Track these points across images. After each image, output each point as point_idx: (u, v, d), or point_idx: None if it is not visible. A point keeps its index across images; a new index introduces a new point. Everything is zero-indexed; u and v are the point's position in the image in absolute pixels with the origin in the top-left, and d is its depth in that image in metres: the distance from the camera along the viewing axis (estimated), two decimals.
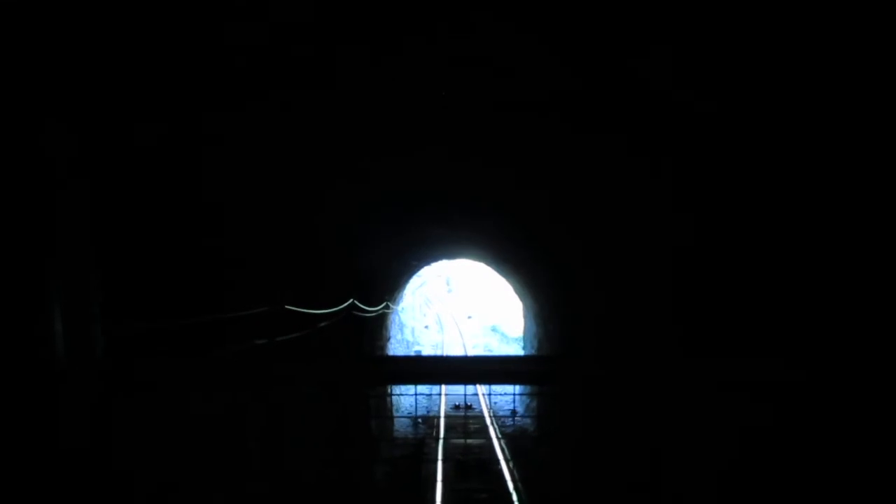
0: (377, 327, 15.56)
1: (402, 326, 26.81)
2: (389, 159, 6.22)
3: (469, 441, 13.79)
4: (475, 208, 9.53)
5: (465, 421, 15.78)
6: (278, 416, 5.85)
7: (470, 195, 8.28)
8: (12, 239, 1.71)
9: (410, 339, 29.40)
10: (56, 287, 1.64)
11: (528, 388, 16.68)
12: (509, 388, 20.02)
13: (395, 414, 15.84)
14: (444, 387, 20.53)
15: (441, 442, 13.91)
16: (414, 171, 6.89)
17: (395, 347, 22.55)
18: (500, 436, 14.13)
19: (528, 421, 15.99)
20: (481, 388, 20.04)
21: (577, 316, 10.09)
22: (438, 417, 16.68)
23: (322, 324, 6.55)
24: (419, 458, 13.05)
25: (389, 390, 16.19)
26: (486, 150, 5.68)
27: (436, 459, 12.74)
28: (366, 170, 6.20)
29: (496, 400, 19.27)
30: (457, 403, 18.45)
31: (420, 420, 16.67)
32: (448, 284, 55.70)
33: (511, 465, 12.34)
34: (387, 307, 14.45)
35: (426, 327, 36.86)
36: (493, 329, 37.09)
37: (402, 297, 23.13)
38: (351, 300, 8.34)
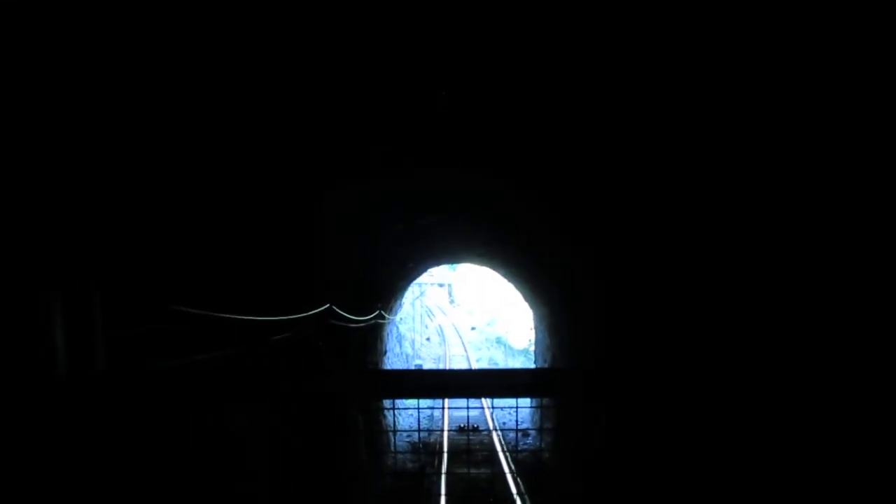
0: (371, 340, 13.79)
1: (400, 339, 24.98)
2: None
3: (476, 472, 11.93)
4: (480, 209, 8.65)
5: (471, 446, 13.92)
6: (237, 443, 4.20)
7: (474, 197, 7.83)
8: (13, 252, 1.95)
9: (410, 352, 27.57)
10: (57, 299, 1.59)
11: (537, 405, 14.90)
12: (519, 405, 18.20)
13: (390, 439, 14.00)
14: (446, 408, 18.75)
15: (443, 474, 12.03)
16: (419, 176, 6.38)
17: (394, 362, 20.74)
18: (512, 466, 12.25)
19: (541, 442, 14.15)
20: (487, 410, 18.22)
21: (595, 323, 8.47)
22: (441, 441, 14.80)
23: (277, 336, 4.79)
24: (418, 495, 11.20)
25: (384, 405, 14.39)
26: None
27: (438, 496, 10.90)
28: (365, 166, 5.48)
29: (504, 420, 17.42)
30: (461, 424, 16.57)
31: (420, 444, 14.81)
32: (450, 295, 54.11)
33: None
34: (380, 316, 12.64)
35: (427, 339, 35.13)
36: (498, 341, 35.55)
37: (399, 305, 21.32)
38: (328, 305, 6.57)
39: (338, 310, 7.01)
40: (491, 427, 16.01)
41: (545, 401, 13.91)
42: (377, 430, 12.65)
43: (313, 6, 2.99)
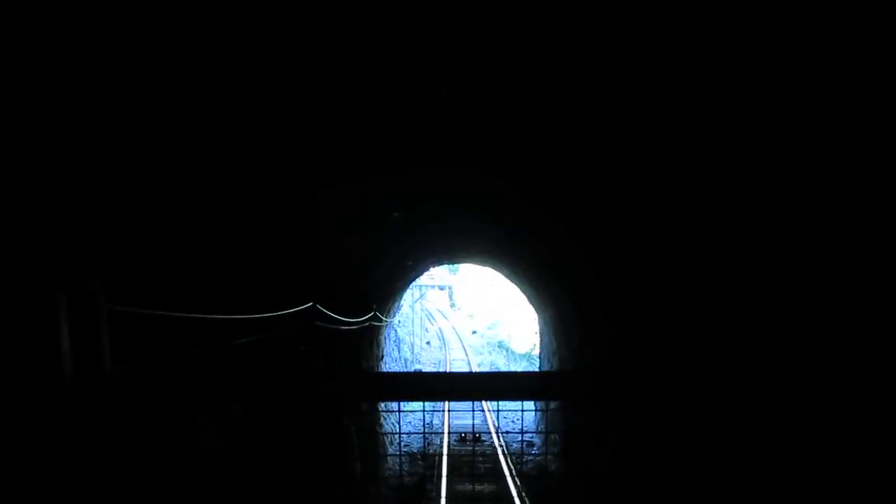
0: (367, 343, 12.96)
1: (399, 342, 24.13)
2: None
3: (479, 487, 11.05)
4: (481, 208, 8.28)
5: (474, 458, 13.05)
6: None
7: (475, 196, 7.59)
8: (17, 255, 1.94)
9: (409, 356, 26.71)
10: (62, 300, 1.53)
11: (543, 408, 14.07)
12: (525, 413, 17.36)
13: (386, 450, 13.15)
14: (447, 410, 17.92)
15: (443, 490, 11.15)
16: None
17: (392, 367, 19.90)
18: (517, 481, 11.37)
19: (546, 452, 13.31)
20: (490, 417, 17.36)
21: (609, 326, 7.74)
22: (441, 452, 13.92)
23: (244, 340, 3.95)
24: None
25: (380, 413, 13.57)
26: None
27: None
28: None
29: (508, 428, 16.55)
30: (462, 433, 15.69)
31: (419, 455, 13.94)
32: (451, 298, 53.35)
33: None
34: (376, 318, 11.80)
35: (427, 343, 34.30)
36: (500, 345, 34.76)
37: (398, 307, 20.49)
38: (311, 304, 5.73)
39: (324, 309, 6.18)
40: (494, 437, 15.13)
41: (552, 406, 13.10)
42: (372, 441, 11.81)
43: (317, 12, 2.96)
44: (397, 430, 15.06)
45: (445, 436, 15.80)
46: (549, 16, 3.09)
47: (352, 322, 8.23)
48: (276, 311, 4.74)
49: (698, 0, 2.81)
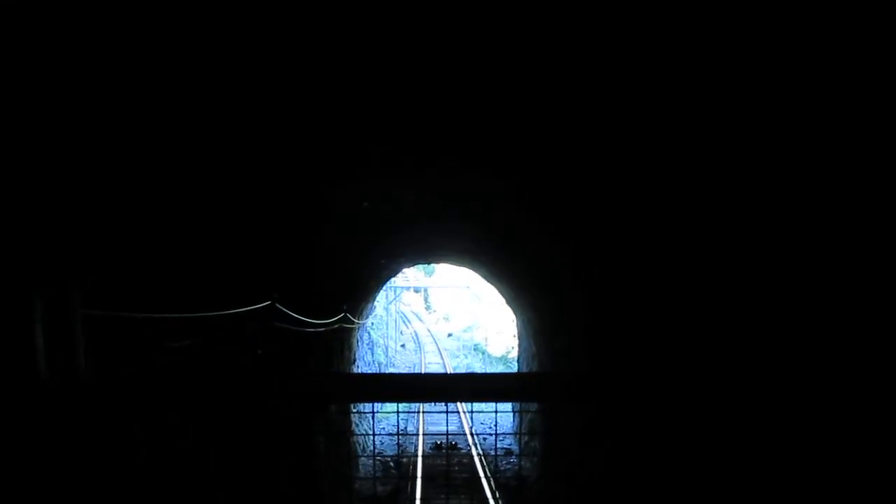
0: (337, 346, 12.34)
1: (373, 345, 23.48)
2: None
3: (455, 500, 10.50)
4: (466, 205, 7.82)
5: (449, 467, 12.50)
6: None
7: (460, 195, 7.29)
8: None
9: (383, 360, 26.07)
10: (37, 300, 1.56)
11: (520, 410, 13.62)
12: (501, 421, 16.89)
13: (359, 457, 12.54)
14: (422, 412, 17.38)
15: (418, 499, 10.56)
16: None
17: (365, 371, 19.26)
18: (496, 492, 10.83)
19: (526, 464, 12.83)
20: (466, 421, 16.83)
21: (591, 328, 7.37)
22: (415, 462, 13.33)
23: (183, 342, 3.34)
24: None
25: (352, 421, 12.96)
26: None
27: None
28: None
29: (486, 436, 16.03)
30: (438, 441, 15.11)
31: (392, 463, 13.34)
32: (426, 301, 52.82)
33: None
34: (346, 320, 11.18)
35: (402, 346, 33.71)
36: (476, 348, 34.34)
37: (371, 309, 19.85)
38: (269, 302, 5.12)
39: (285, 309, 5.57)
40: (471, 444, 14.59)
41: (531, 409, 12.64)
42: (343, 446, 11.21)
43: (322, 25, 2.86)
44: (370, 433, 14.45)
45: (420, 437, 15.26)
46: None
47: (318, 323, 7.62)
48: (226, 311, 4.13)
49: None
